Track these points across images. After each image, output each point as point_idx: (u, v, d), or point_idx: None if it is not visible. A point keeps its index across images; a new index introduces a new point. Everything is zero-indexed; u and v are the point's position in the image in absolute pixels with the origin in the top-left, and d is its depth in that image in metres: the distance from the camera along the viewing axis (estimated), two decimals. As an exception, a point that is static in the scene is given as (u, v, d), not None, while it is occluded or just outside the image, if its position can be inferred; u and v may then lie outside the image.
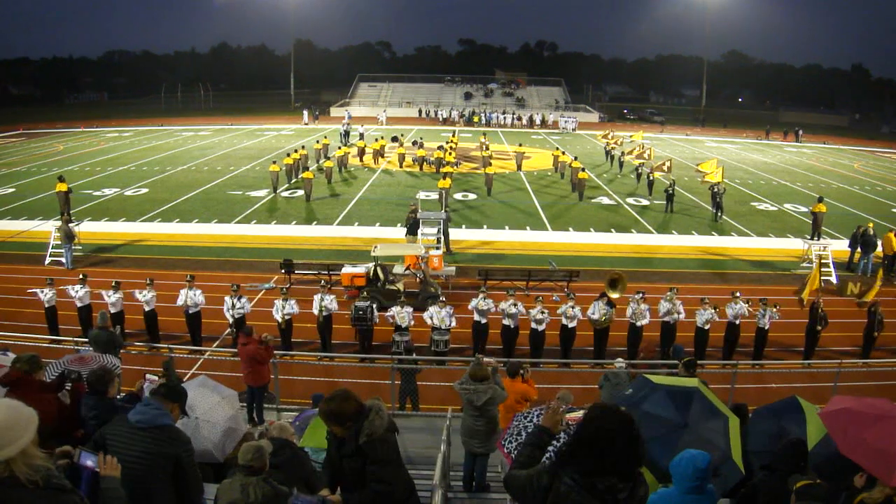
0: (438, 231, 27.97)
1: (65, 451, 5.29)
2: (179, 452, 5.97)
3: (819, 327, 19.85)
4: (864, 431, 5.13)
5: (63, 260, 26.71)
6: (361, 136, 61.67)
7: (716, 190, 37.23)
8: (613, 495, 4.13)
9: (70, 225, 26.84)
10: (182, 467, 6.00)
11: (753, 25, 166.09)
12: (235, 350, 16.20)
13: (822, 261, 23.80)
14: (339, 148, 52.84)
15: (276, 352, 15.87)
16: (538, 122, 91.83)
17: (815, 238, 31.11)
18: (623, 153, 55.54)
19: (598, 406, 4.49)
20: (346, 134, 65.68)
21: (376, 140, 55.74)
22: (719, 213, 37.07)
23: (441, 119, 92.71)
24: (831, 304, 21.10)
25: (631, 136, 67.00)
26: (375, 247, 24.33)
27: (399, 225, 31.08)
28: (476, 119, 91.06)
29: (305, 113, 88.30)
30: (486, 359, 11.47)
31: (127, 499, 5.32)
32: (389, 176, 48.67)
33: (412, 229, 28.57)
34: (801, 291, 21.64)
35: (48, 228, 29.41)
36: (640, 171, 49.32)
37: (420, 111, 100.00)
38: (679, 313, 19.55)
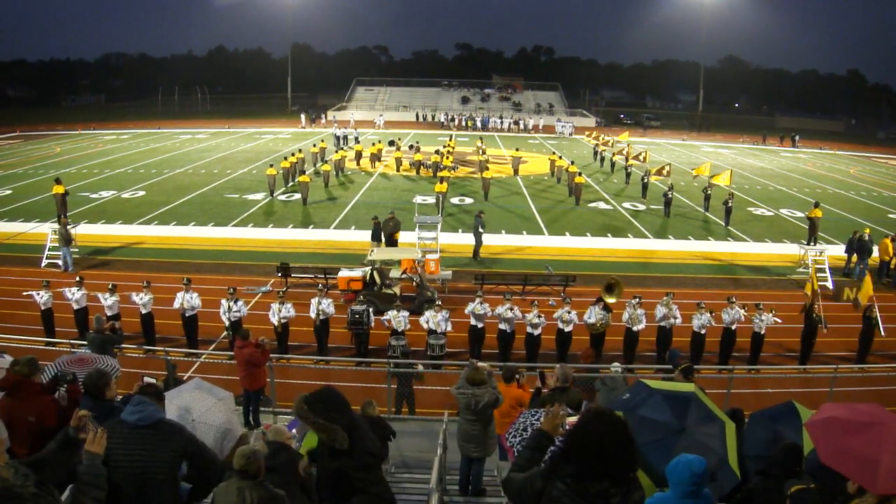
0: (436, 235, 27.98)
1: (82, 416, 5.29)
2: (186, 444, 6.01)
3: (825, 329, 19.88)
4: (849, 439, 5.09)
5: (60, 262, 26.71)
6: (357, 140, 61.88)
7: (726, 198, 37.33)
8: (605, 500, 4.12)
9: (68, 227, 26.82)
10: (194, 454, 6.03)
11: (750, 31, 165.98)
12: (232, 353, 16.22)
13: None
14: (336, 151, 52.83)
15: (272, 355, 15.88)
16: (529, 126, 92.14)
17: (812, 243, 31.15)
18: (613, 154, 55.92)
19: (592, 410, 4.49)
20: (345, 138, 65.75)
21: (373, 144, 55.76)
22: (727, 220, 37.08)
23: (441, 123, 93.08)
24: (827, 310, 21.09)
25: (618, 138, 67.33)
26: (372, 251, 24.34)
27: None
28: (469, 123, 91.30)
29: (303, 116, 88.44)
30: (479, 363, 11.45)
31: (134, 498, 5.32)
32: (386, 180, 48.72)
33: (376, 235, 28.55)
34: (856, 300, 21.71)
35: (45, 231, 29.42)
36: (629, 171, 49.76)
37: (417, 115, 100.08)
38: (675, 318, 19.56)
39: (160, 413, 6.07)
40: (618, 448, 4.11)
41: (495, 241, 32.11)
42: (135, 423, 5.82)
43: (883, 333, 20.29)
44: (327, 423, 5.37)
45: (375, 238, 28.86)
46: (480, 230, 29.35)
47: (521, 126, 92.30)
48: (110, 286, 19.98)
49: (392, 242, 29.10)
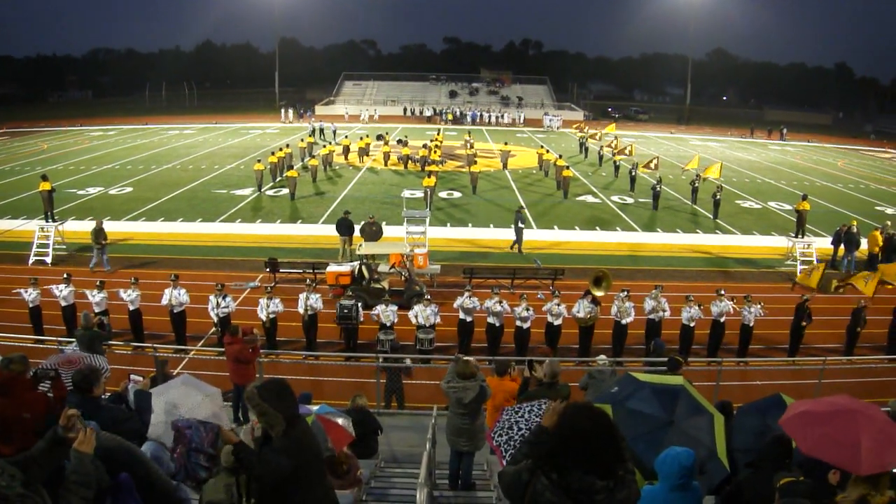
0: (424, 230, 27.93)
1: (71, 415, 5.22)
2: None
3: (804, 323, 19.92)
4: (824, 428, 5.14)
5: (46, 259, 26.65)
6: (335, 133, 62.49)
7: (714, 191, 37.51)
8: (589, 496, 4.07)
9: (57, 225, 26.64)
10: None
11: (738, 24, 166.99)
12: (220, 349, 16.18)
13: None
14: (324, 146, 52.72)
15: (261, 350, 15.85)
16: (505, 120, 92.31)
17: (800, 236, 31.22)
18: (602, 147, 56.12)
19: (574, 404, 4.45)
20: (322, 131, 66.00)
21: (361, 138, 55.64)
22: (715, 213, 37.26)
23: (427, 117, 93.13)
24: (815, 302, 21.15)
25: (605, 130, 67.58)
26: (360, 245, 24.30)
27: (385, 223, 31.01)
28: (450, 116, 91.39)
29: (288, 112, 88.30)
30: (465, 358, 11.43)
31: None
32: (374, 174, 48.65)
33: (346, 230, 28.18)
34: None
35: (32, 228, 29.27)
36: (617, 164, 50.05)
37: (405, 109, 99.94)
38: (664, 311, 19.61)
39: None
40: (600, 442, 4.05)
41: (483, 235, 32.17)
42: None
43: (860, 329, 20.33)
44: (270, 408, 5.35)
45: (344, 232, 28.17)
46: (521, 225, 29.53)
47: (504, 120, 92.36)
48: (98, 283, 19.90)
49: None
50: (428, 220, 28.31)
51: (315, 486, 5.76)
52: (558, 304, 19.39)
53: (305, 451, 5.55)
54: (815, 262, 26.71)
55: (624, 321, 19.56)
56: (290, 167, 41.80)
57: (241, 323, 16.60)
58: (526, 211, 30.31)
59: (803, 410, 5.49)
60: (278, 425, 5.39)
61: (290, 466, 5.39)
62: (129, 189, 41.44)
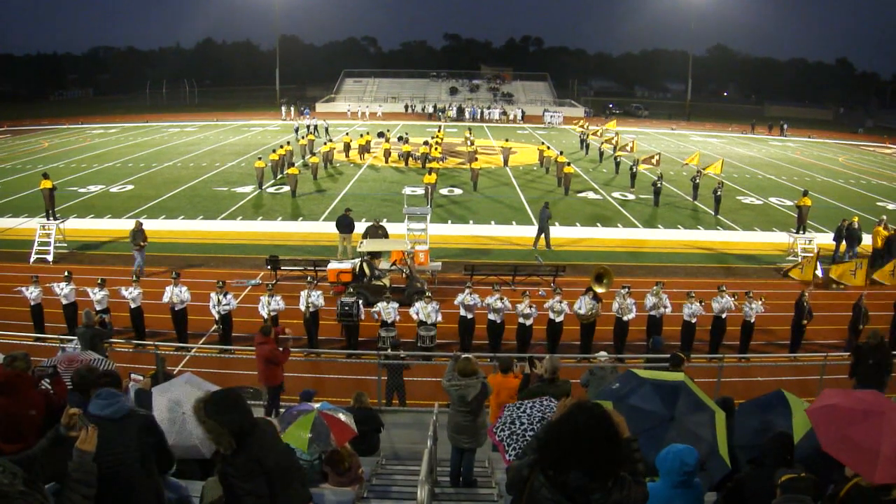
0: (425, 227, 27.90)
1: (73, 413, 5.21)
2: (157, 431, 5.98)
3: (805, 321, 19.90)
4: (849, 429, 5.07)
5: (47, 257, 26.67)
6: (327, 131, 63.98)
7: (715, 187, 37.52)
8: (585, 496, 4.03)
9: (58, 223, 26.58)
10: (162, 440, 5.99)
11: (739, 20, 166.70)
12: (221, 346, 16.18)
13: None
14: (325, 143, 52.67)
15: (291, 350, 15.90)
16: (512, 116, 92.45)
17: (801, 231, 31.19)
18: (602, 143, 56.08)
19: (574, 402, 4.43)
20: (316, 128, 66.16)
21: (361, 136, 55.58)
22: (716, 209, 37.25)
23: (428, 114, 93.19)
24: (817, 298, 21.16)
25: (605, 126, 67.48)
26: (361, 242, 24.29)
27: (385, 220, 30.99)
28: (449, 114, 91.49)
29: (289, 109, 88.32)
30: (465, 355, 11.42)
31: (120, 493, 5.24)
32: (375, 171, 48.61)
33: (346, 228, 28.14)
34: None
35: (33, 226, 29.28)
36: (618, 160, 50.14)
37: (406, 106, 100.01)
38: (665, 307, 19.56)
39: (128, 403, 6.01)
40: (597, 440, 3.99)
41: (484, 232, 32.23)
42: (109, 416, 5.70)
43: (863, 325, 20.29)
44: (216, 424, 5.19)
45: (344, 230, 28.14)
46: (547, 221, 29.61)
47: (500, 116, 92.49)
48: (99, 281, 19.87)
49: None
50: (429, 217, 28.23)
51: (282, 491, 5.64)
52: (560, 301, 19.36)
53: (267, 464, 5.40)
54: (806, 258, 26.72)
55: (625, 318, 19.53)
56: (291, 164, 41.81)
57: (242, 321, 16.62)
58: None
59: (832, 403, 5.42)
60: (225, 442, 5.25)
61: (266, 480, 5.30)
62: (131, 187, 41.44)
